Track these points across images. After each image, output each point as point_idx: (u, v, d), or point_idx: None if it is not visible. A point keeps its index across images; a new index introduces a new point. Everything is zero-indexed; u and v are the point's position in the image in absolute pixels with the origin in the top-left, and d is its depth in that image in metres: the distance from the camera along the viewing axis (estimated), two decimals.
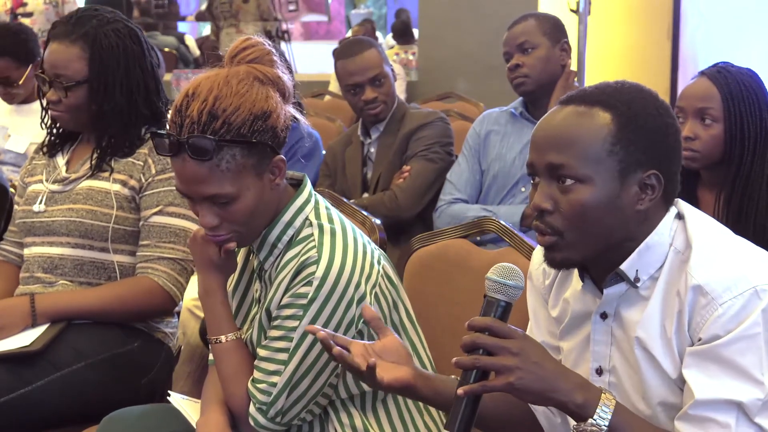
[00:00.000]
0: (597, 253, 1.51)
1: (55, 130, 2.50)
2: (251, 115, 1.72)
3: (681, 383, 1.48)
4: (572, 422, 1.46)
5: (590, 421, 1.43)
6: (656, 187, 1.49)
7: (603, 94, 1.51)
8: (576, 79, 3.18)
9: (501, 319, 1.46)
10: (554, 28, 3.13)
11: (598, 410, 1.43)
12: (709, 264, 1.46)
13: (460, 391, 1.42)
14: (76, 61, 2.34)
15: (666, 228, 1.52)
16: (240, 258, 1.98)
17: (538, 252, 1.70)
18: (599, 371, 1.58)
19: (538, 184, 1.51)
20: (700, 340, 1.45)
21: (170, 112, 1.77)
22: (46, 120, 2.49)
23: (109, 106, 2.35)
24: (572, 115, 1.50)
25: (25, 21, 5.87)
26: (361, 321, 1.79)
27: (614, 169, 1.47)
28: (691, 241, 1.49)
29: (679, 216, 1.55)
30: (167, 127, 1.77)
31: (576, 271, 1.61)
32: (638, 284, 1.52)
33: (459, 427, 1.43)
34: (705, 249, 1.48)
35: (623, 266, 1.51)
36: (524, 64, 3.09)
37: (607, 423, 1.42)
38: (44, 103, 2.47)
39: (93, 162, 2.39)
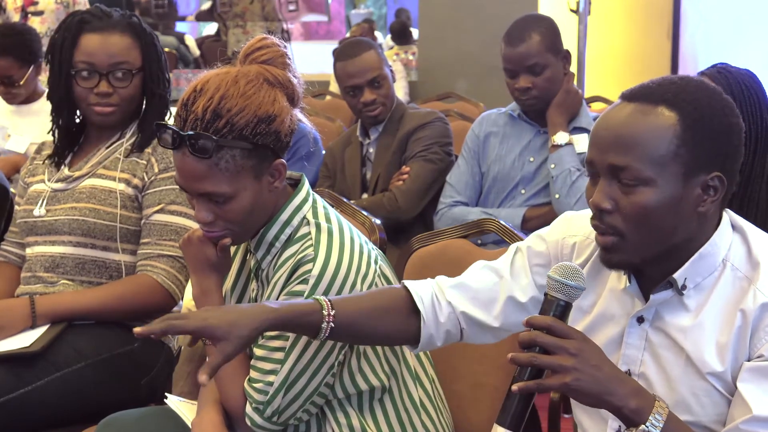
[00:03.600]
0: (656, 254, 1.49)
1: (58, 138, 2.47)
2: (255, 118, 1.73)
3: (722, 397, 1.47)
4: (623, 427, 1.45)
5: (642, 427, 1.42)
6: (719, 188, 1.46)
7: (668, 93, 1.47)
8: (574, 80, 3.16)
9: (560, 318, 1.45)
10: (555, 39, 3.06)
11: (650, 417, 1.41)
12: None
13: (514, 387, 1.42)
14: (133, 49, 2.40)
15: (721, 239, 1.51)
16: (237, 257, 1.98)
17: (569, 222, 1.68)
18: (628, 375, 1.55)
19: (597, 181, 1.49)
20: (760, 356, 1.44)
21: (177, 105, 1.78)
22: (53, 120, 2.46)
23: (160, 91, 2.43)
24: (637, 113, 1.46)
25: (36, 20, 5.87)
26: None
27: (678, 171, 1.44)
28: (758, 260, 1.48)
29: (734, 227, 1.54)
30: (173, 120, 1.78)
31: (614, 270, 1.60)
32: (684, 292, 1.50)
33: (511, 423, 1.43)
34: None
35: (676, 275, 1.49)
36: (535, 86, 3.03)
37: (658, 431, 1.41)
38: (53, 102, 2.44)
39: (136, 140, 2.41)
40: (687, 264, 1.49)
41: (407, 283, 1.74)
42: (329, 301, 1.64)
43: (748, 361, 1.45)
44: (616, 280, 1.59)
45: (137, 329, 1.52)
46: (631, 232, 1.46)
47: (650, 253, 1.49)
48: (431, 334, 1.71)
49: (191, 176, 1.74)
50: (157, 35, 2.48)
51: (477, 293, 1.71)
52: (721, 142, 1.46)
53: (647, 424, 1.41)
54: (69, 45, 2.38)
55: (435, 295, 1.72)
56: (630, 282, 1.55)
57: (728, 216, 1.54)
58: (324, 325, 1.61)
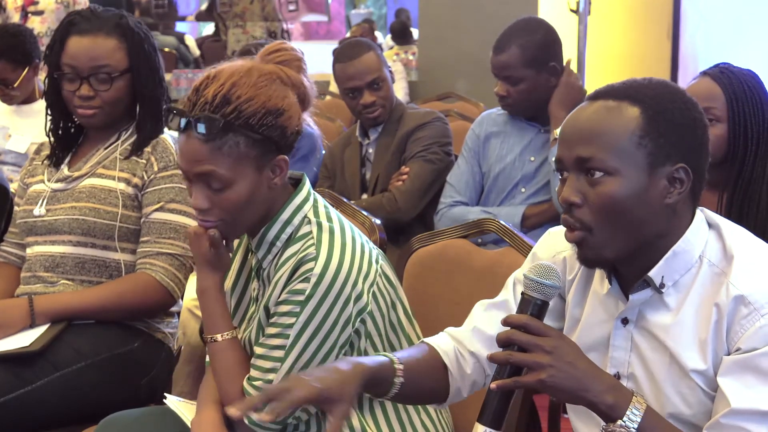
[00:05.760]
0: (629, 249, 1.50)
1: (53, 138, 2.48)
2: (263, 109, 1.75)
3: (706, 395, 1.48)
4: (602, 423, 1.46)
5: (619, 422, 1.43)
6: (685, 181, 1.48)
7: (631, 89, 1.51)
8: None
9: (537, 317, 1.47)
10: (539, 53, 3.03)
11: (628, 412, 1.43)
12: (752, 275, 1.46)
13: (492, 385, 1.44)
14: (116, 51, 2.37)
15: (695, 236, 1.52)
16: (239, 257, 1.99)
17: (554, 237, 1.69)
18: (617, 377, 1.57)
19: (566, 180, 1.51)
20: (738, 349, 1.44)
21: (189, 91, 1.81)
22: (49, 123, 2.47)
23: (150, 93, 2.40)
24: (601, 109, 1.50)
25: (36, 19, 5.87)
26: (359, 319, 1.80)
27: (643, 161, 1.46)
28: (732, 254, 1.49)
29: (710, 225, 1.55)
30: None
31: (597, 275, 1.61)
32: (663, 290, 1.51)
33: (491, 420, 1.44)
34: (748, 260, 1.48)
35: (651, 273, 1.50)
36: (509, 95, 3.07)
37: (636, 425, 1.42)
38: (47, 103, 2.46)
39: (134, 141, 2.40)
40: (661, 262, 1.50)
41: (429, 341, 1.74)
42: (395, 356, 1.61)
43: (728, 355, 1.46)
44: (599, 285, 1.60)
45: (232, 412, 1.45)
46: (598, 226, 1.48)
47: (622, 248, 1.50)
48: (459, 387, 1.72)
49: (193, 157, 1.76)
50: (150, 36, 2.45)
51: (494, 337, 1.69)
52: (685, 134, 1.49)
53: (624, 419, 1.43)
54: (57, 47, 2.39)
55: (457, 350, 1.72)
56: (611, 284, 1.56)
57: (703, 214, 1.56)
58: (396, 380, 1.59)
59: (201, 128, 1.73)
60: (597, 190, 1.47)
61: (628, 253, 1.51)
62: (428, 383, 1.69)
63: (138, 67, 2.39)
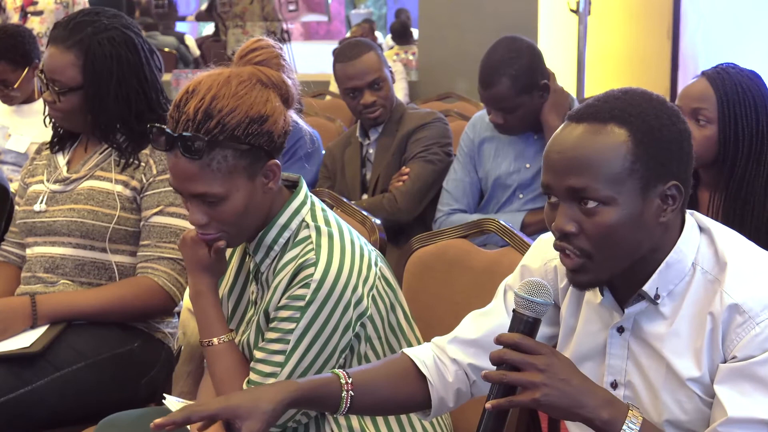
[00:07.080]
0: (623, 268, 1.49)
1: (58, 125, 2.51)
2: (247, 118, 1.72)
3: (703, 402, 1.48)
4: None
5: None
6: (677, 197, 1.47)
7: (615, 109, 1.46)
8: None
9: (528, 334, 1.46)
10: (530, 77, 2.99)
11: (624, 427, 1.42)
12: (746, 283, 1.45)
13: (487, 405, 1.43)
14: (69, 67, 2.34)
15: (687, 245, 1.50)
16: (236, 260, 1.98)
17: (544, 245, 1.68)
18: (614, 385, 1.57)
19: (556, 204, 1.48)
20: (734, 357, 1.44)
21: (170, 107, 1.78)
22: (47, 116, 2.49)
23: (105, 116, 2.35)
24: (588, 134, 1.45)
25: (35, 19, 5.89)
26: (359, 323, 1.79)
27: (636, 186, 1.44)
28: (725, 260, 1.48)
29: (701, 228, 1.53)
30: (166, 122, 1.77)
31: None
32: (658, 301, 1.50)
33: None
34: (741, 267, 1.47)
35: (646, 287, 1.50)
36: (506, 122, 3.03)
37: None
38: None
39: (118, 158, 2.38)
40: (655, 275, 1.49)
41: (406, 350, 1.73)
42: (345, 371, 1.61)
43: (723, 362, 1.45)
44: (593, 295, 1.59)
45: (158, 421, 1.46)
46: (598, 252, 1.46)
47: (618, 269, 1.49)
48: (441, 397, 1.70)
49: (184, 177, 1.73)
50: (126, 51, 2.34)
51: (477, 342, 1.69)
52: (673, 150, 1.46)
53: None
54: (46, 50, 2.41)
55: (437, 357, 1.71)
56: (603, 295, 1.56)
57: (693, 219, 1.54)
58: (344, 394, 1.58)
59: (186, 149, 1.69)
60: (593, 220, 1.44)
61: (622, 272, 1.50)
62: (398, 394, 1.67)
63: (91, 87, 2.33)
